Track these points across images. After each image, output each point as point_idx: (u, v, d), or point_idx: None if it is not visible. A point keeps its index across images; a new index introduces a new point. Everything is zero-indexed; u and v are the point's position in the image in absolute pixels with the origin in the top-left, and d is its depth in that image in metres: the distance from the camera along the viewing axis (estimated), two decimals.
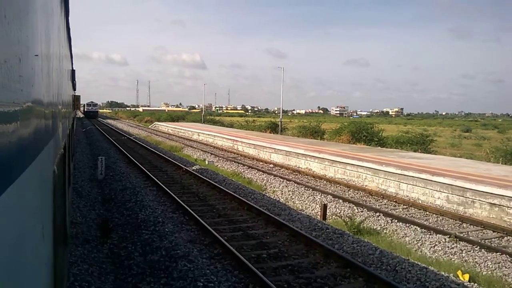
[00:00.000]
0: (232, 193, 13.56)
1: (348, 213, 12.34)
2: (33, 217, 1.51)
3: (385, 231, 11.16)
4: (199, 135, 40.50)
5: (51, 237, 2.23)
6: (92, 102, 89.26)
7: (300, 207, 13.67)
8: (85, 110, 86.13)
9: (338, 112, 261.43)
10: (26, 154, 1.33)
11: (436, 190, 14.16)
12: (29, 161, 1.39)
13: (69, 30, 8.55)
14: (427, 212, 13.01)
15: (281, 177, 18.05)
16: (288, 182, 17.10)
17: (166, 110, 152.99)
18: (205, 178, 16.33)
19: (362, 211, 12.81)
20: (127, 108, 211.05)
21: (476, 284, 7.73)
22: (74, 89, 15.37)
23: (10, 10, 1.05)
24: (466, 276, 7.96)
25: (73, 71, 12.95)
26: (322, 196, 14.67)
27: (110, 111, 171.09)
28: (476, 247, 9.77)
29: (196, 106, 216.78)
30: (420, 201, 14.26)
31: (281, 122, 47.05)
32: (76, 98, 15.92)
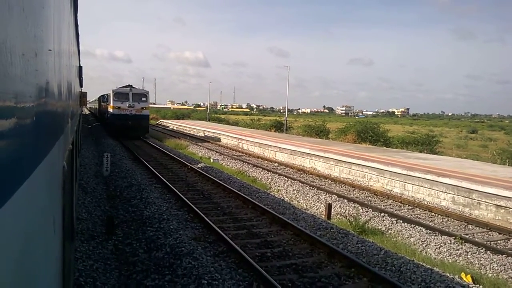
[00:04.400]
0: (237, 191, 13.57)
1: (353, 213, 12.31)
2: (45, 212, 1.52)
3: (390, 231, 11.13)
4: (204, 133, 40.55)
5: (60, 232, 2.24)
6: (131, 87, 32.24)
7: (305, 206, 13.66)
8: (111, 112, 31.79)
9: (343, 111, 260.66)
10: (40, 149, 1.34)
11: (442, 191, 14.10)
12: (42, 156, 1.39)
13: (77, 27, 8.58)
14: (433, 213, 12.96)
15: (286, 176, 18.04)
16: (292, 181, 17.09)
17: (172, 108, 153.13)
18: (210, 176, 16.35)
19: (367, 211, 12.77)
20: None
21: (481, 286, 7.69)
22: (81, 85, 15.44)
23: (27, 4, 1.05)
24: (469, 277, 7.92)
25: (80, 68, 13.02)
26: (327, 195, 14.65)
27: None
28: (481, 249, 9.72)
29: (202, 104, 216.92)
30: (425, 202, 14.20)
31: (286, 120, 47.00)
32: (83, 95, 15.99)
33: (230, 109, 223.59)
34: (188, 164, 19.23)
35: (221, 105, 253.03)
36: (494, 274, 8.51)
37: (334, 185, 17.07)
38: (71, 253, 4.02)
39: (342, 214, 12.42)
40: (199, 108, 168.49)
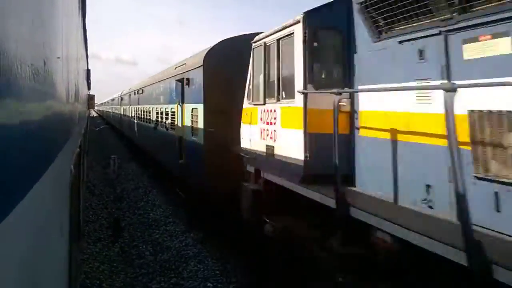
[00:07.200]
0: None
1: None
2: (54, 215, 1.55)
3: None
4: None
5: (68, 233, 2.28)
6: None
7: None
8: None
9: None
10: (49, 153, 1.38)
11: None
12: (51, 159, 1.43)
13: (86, 31, 8.67)
14: None
15: None
16: None
17: None
18: None
19: None
20: None
21: None
22: (89, 88, 15.58)
23: (36, 15, 1.09)
24: None
25: (88, 71, 13.13)
26: None
27: None
28: None
29: None
30: None
31: None
32: (91, 98, 16.13)
33: None
34: None
35: None
36: None
37: None
38: (78, 254, 4.07)
39: None
40: None
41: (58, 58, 1.68)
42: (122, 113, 30.71)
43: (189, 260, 7.79)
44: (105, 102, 63.82)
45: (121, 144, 29.62)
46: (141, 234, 9.54)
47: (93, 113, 77.05)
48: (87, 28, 9.06)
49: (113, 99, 42.46)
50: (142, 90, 19.24)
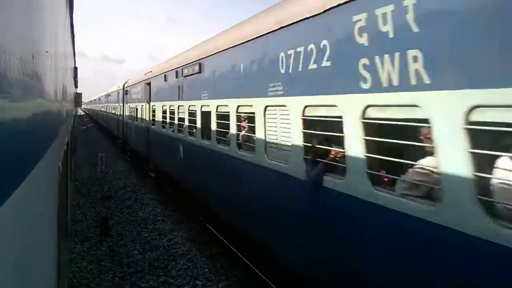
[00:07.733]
0: None
1: None
2: (42, 213, 1.53)
3: None
4: None
5: (56, 232, 2.25)
6: None
7: None
8: None
9: None
10: (36, 150, 1.36)
11: None
12: (38, 157, 1.41)
13: (73, 28, 8.57)
14: None
15: None
16: None
17: None
18: None
19: None
20: None
21: None
22: (76, 86, 15.40)
23: (24, 9, 1.07)
24: None
25: (75, 69, 12.97)
26: None
27: None
28: None
29: None
30: None
31: None
32: (78, 96, 15.94)
33: None
34: None
35: None
36: None
37: None
38: (66, 252, 4.03)
39: None
40: None
41: (47, 52, 1.65)
42: (126, 114, 20.21)
43: (178, 258, 7.77)
44: (94, 100, 51.98)
45: (109, 142, 29.35)
46: (130, 232, 9.48)
47: (80, 112, 76.63)
48: (75, 24, 8.94)
49: (108, 95, 30.24)
50: (201, 66, 8.53)
